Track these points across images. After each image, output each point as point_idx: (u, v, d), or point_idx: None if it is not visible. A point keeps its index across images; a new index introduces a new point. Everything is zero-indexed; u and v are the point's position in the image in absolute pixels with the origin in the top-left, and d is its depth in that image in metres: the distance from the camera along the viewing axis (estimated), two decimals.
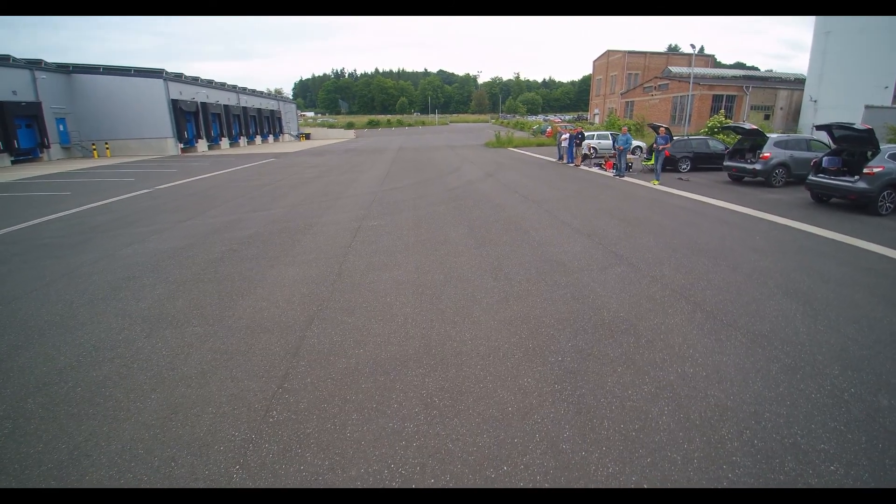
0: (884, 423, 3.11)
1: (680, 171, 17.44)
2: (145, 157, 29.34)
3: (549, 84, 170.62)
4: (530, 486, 2.64)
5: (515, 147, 31.92)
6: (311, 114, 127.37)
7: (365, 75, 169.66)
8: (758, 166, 13.83)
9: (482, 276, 6.14)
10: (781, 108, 38.29)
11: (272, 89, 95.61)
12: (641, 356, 4.02)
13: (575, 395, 3.48)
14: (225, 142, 39.53)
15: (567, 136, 21.22)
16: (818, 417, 3.18)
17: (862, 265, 6.48)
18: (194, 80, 36.32)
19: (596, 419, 3.20)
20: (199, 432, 3.12)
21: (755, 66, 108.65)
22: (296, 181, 16.83)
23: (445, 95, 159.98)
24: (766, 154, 13.77)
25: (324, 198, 12.89)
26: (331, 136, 60.48)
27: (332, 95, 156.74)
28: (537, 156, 25.20)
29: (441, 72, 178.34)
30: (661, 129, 15.79)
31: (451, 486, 2.66)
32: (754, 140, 14.78)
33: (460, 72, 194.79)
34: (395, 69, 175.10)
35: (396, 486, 2.66)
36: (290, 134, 57.28)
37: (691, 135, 23.86)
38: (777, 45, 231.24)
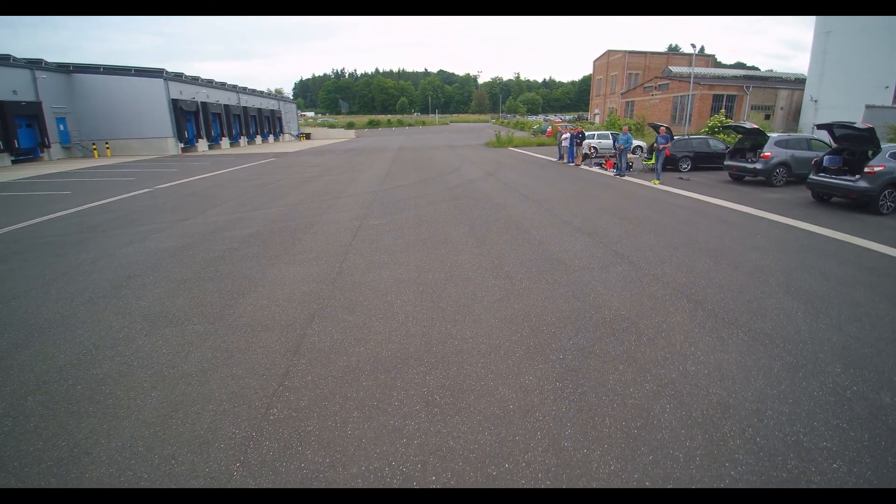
0: (886, 421, 3.10)
1: (680, 171, 17.43)
2: (146, 157, 29.34)
3: (549, 84, 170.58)
4: (532, 483, 2.63)
5: (516, 147, 31.91)
6: (311, 114, 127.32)
7: (365, 75, 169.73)
8: (758, 166, 13.82)
9: (483, 274, 6.14)
10: (782, 108, 38.27)
11: (272, 89, 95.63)
12: (643, 354, 4.01)
13: (576, 392, 3.47)
14: (225, 141, 39.52)
15: (568, 135, 21.21)
16: (820, 415, 3.17)
17: (863, 264, 6.47)
18: (194, 80, 36.31)
19: (597, 417, 3.19)
20: (199, 430, 3.11)
21: (755, 66, 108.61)
22: (296, 180, 16.83)
23: (446, 95, 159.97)
24: (766, 153, 13.75)
25: (324, 197, 12.88)
26: (331, 136, 60.48)
27: (332, 95, 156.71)
28: (538, 155, 25.18)
29: (441, 72, 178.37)
30: (662, 128, 15.79)
31: (452, 483, 2.65)
32: (755, 139, 14.76)
33: (460, 72, 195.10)
34: (395, 69, 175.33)
35: (398, 484, 2.65)
36: (290, 134, 57.28)
37: (692, 134, 23.84)
38: (777, 45, 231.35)
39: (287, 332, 4.53)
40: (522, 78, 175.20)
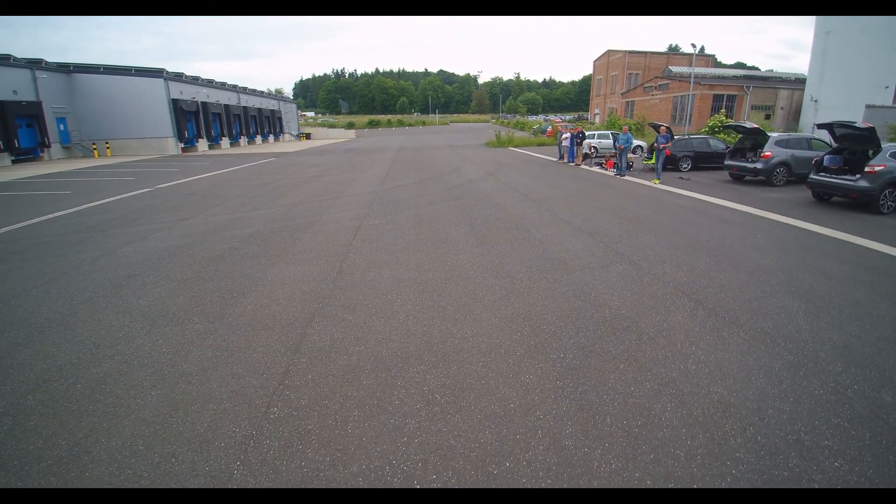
0: (887, 420, 3.10)
1: (681, 171, 17.42)
2: (146, 157, 29.34)
3: (549, 84, 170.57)
4: (533, 481, 2.63)
5: (516, 147, 31.90)
6: (311, 114, 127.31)
7: (365, 75, 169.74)
8: (759, 165, 13.81)
9: (483, 273, 6.13)
10: (782, 108, 38.26)
11: (272, 89, 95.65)
12: (644, 353, 4.00)
13: (577, 391, 3.47)
14: (225, 141, 39.51)
15: (568, 135, 21.21)
16: (822, 414, 3.17)
17: (864, 263, 6.47)
18: (195, 80, 36.31)
19: (598, 416, 3.18)
20: (199, 429, 3.11)
21: (755, 66, 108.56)
22: (296, 180, 16.82)
23: (446, 95, 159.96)
24: (767, 153, 13.74)
25: (324, 197, 12.88)
26: (331, 136, 60.48)
27: (332, 95, 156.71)
28: (538, 155, 25.18)
29: (441, 72, 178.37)
30: (662, 128, 15.78)
31: (453, 481, 2.64)
32: (755, 139, 14.75)
33: (460, 72, 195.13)
34: (395, 69, 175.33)
35: (398, 482, 2.64)
36: (290, 134, 57.28)
37: (692, 134, 23.83)
38: (777, 45, 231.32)
39: (287, 331, 4.52)
40: (522, 78, 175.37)
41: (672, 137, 16.07)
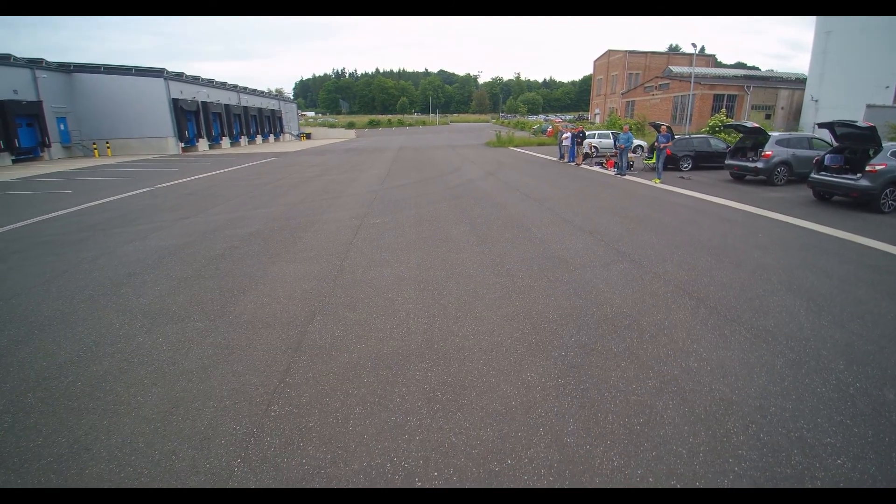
0: (890, 417, 3.09)
1: (681, 170, 17.41)
2: (146, 157, 29.32)
3: (549, 84, 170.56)
4: (535, 479, 2.62)
5: (516, 146, 31.88)
6: (311, 114, 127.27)
7: (365, 75, 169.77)
8: (759, 164, 13.80)
9: (484, 272, 6.12)
10: (782, 108, 38.25)
11: (273, 89, 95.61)
12: (645, 351, 3.99)
13: (579, 389, 3.46)
14: (226, 141, 39.49)
15: (569, 135, 21.20)
16: (824, 411, 3.16)
17: (865, 262, 6.46)
18: (195, 80, 36.29)
19: (600, 413, 3.17)
20: (200, 426, 3.10)
21: (756, 65, 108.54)
22: (297, 180, 16.82)
23: (446, 95, 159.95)
24: (767, 152, 13.73)
25: (325, 196, 12.87)
26: (331, 136, 60.47)
27: (332, 95, 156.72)
28: (538, 155, 25.17)
29: (441, 72, 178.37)
30: (663, 127, 15.77)
31: (454, 479, 2.63)
32: (756, 138, 14.74)
33: (461, 72, 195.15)
34: (395, 69, 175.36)
35: (400, 480, 2.63)
36: (290, 133, 57.27)
37: (692, 134, 23.82)
38: (777, 45, 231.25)
39: (288, 329, 4.51)
40: (523, 78, 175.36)
41: (672, 137, 16.06)
